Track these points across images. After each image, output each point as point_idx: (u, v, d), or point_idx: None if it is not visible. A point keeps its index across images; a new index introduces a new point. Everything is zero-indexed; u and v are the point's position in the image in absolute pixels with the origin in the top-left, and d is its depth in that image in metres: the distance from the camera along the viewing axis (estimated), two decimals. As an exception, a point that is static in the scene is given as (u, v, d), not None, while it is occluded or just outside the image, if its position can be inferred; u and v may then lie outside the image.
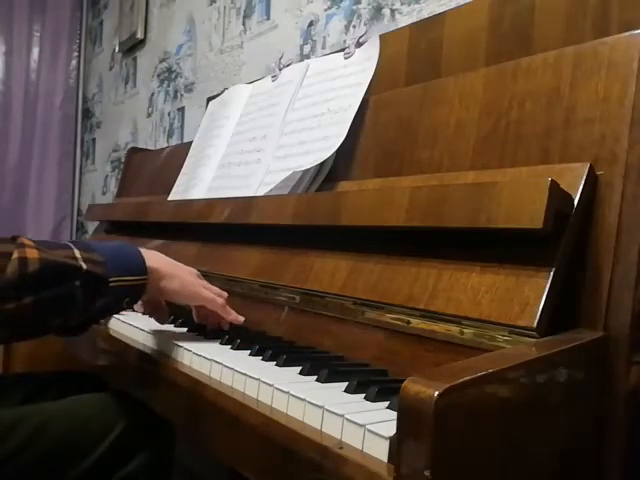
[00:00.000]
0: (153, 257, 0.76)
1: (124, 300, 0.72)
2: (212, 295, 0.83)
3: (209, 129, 1.38)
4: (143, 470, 0.88)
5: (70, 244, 0.69)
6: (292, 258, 0.89)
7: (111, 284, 0.69)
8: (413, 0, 1.29)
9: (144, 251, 0.76)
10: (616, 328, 0.56)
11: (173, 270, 0.79)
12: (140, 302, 0.81)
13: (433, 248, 0.69)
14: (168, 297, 0.80)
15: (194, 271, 0.84)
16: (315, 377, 0.63)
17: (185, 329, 0.89)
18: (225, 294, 0.86)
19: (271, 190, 1.03)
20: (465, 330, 0.61)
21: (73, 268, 0.65)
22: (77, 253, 0.67)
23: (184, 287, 0.79)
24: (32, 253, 0.63)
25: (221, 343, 0.80)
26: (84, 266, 0.66)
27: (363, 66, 1.00)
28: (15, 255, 0.61)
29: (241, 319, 0.86)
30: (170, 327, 0.90)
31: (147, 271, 0.74)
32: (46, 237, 3.22)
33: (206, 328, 0.87)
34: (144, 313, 0.91)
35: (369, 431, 0.48)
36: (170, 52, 2.43)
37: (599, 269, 0.58)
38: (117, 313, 0.78)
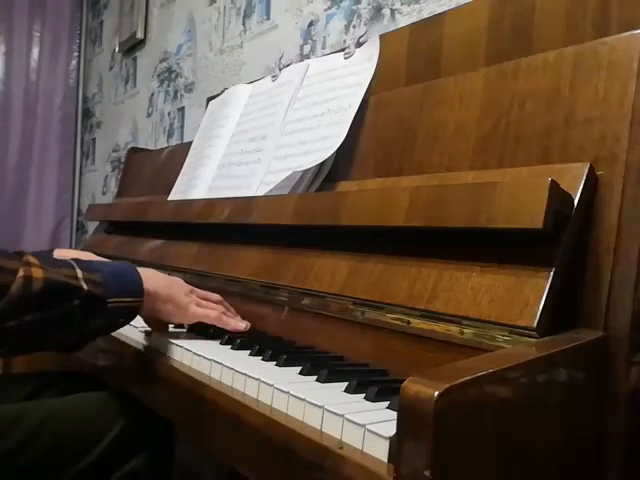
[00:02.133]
0: (150, 278, 0.79)
1: (120, 320, 0.75)
2: (205, 312, 0.84)
3: (209, 129, 1.38)
4: (143, 469, 0.88)
5: (73, 263, 0.70)
6: (292, 258, 0.89)
7: (109, 305, 0.71)
8: (413, 0, 1.29)
9: (142, 272, 0.78)
10: (616, 328, 0.56)
11: (168, 291, 0.81)
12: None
13: (433, 248, 0.69)
14: (162, 318, 0.83)
15: (188, 288, 0.85)
16: (315, 377, 0.63)
17: (185, 329, 0.89)
18: (221, 307, 0.87)
19: (271, 190, 1.03)
20: (465, 330, 0.61)
21: (74, 288, 0.67)
22: (79, 273, 0.68)
23: (177, 309, 0.82)
24: (37, 272, 0.64)
25: (221, 343, 0.80)
26: (85, 286, 0.68)
27: (363, 66, 1.00)
28: (21, 273, 0.63)
29: (241, 326, 0.86)
30: (170, 327, 0.91)
31: (144, 293, 0.76)
32: (46, 237, 3.22)
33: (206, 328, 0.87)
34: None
35: (369, 431, 0.48)
36: (170, 52, 2.43)
37: (599, 269, 0.58)
38: (112, 332, 0.80)
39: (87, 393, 0.93)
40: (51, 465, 0.82)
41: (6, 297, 0.61)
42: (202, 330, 0.86)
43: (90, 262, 0.74)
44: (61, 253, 0.97)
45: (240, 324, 0.86)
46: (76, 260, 0.72)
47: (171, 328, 0.90)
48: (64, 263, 0.70)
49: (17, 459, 0.79)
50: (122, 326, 0.77)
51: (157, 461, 0.91)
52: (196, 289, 0.88)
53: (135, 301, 0.75)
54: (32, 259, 0.65)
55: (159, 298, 0.79)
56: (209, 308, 0.86)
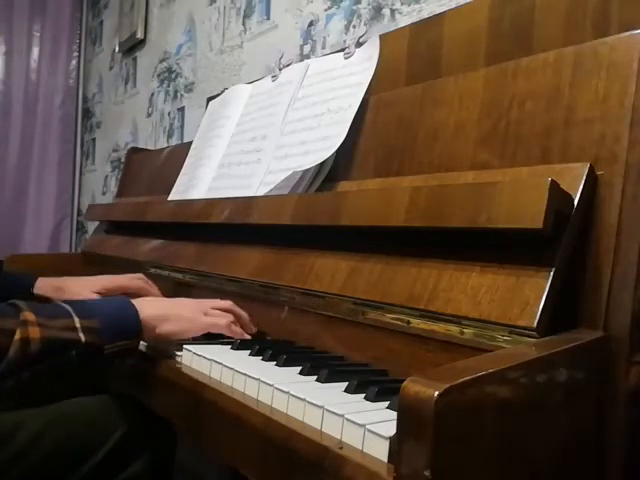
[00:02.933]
0: (147, 306, 0.77)
1: (115, 360, 0.75)
2: (213, 320, 0.82)
3: (209, 129, 1.38)
4: (145, 471, 0.88)
5: (69, 309, 0.70)
6: (292, 258, 0.89)
7: (105, 352, 0.71)
8: (413, 0, 1.29)
9: (138, 303, 0.77)
10: (616, 328, 0.56)
11: (166, 312, 0.79)
12: None
13: (433, 248, 0.69)
14: (168, 340, 0.81)
15: (193, 302, 0.84)
16: (315, 377, 0.63)
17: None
18: (230, 316, 0.85)
19: (271, 190, 1.03)
20: (465, 330, 0.61)
21: (72, 342, 0.67)
22: (76, 322, 0.68)
23: (179, 326, 0.80)
24: (34, 332, 0.64)
25: (221, 343, 0.80)
26: (82, 338, 0.68)
27: (363, 66, 1.00)
28: (18, 336, 0.63)
29: (247, 336, 0.85)
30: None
31: (141, 329, 0.75)
32: (46, 237, 3.22)
33: None
34: None
35: (369, 431, 0.48)
36: (170, 52, 2.43)
37: (599, 269, 0.58)
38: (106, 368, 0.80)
39: (87, 397, 0.93)
40: (52, 471, 0.81)
41: (4, 361, 0.62)
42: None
43: (84, 304, 0.74)
44: (42, 283, 0.98)
45: (246, 334, 0.85)
46: (71, 304, 0.71)
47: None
48: (61, 311, 0.70)
49: (18, 466, 0.78)
50: (116, 363, 0.77)
51: (158, 463, 0.90)
52: (205, 300, 0.87)
53: (131, 343, 0.75)
54: (29, 315, 0.65)
55: (157, 324, 0.78)
56: (217, 316, 0.84)
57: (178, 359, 0.76)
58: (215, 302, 0.86)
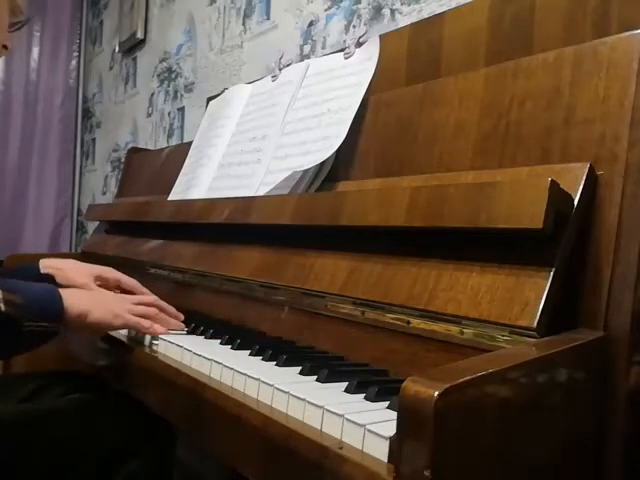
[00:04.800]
0: (73, 296, 0.79)
1: (34, 342, 0.76)
2: (136, 321, 0.84)
3: (209, 129, 1.38)
4: (144, 470, 0.88)
5: None
6: (292, 258, 0.89)
7: (24, 328, 0.72)
8: (413, 0, 1.29)
9: (65, 292, 0.78)
10: (616, 328, 0.56)
11: (92, 303, 0.81)
12: None
13: (433, 248, 0.69)
14: (92, 330, 0.83)
15: (118, 296, 0.87)
16: (315, 377, 0.63)
17: (185, 329, 0.89)
18: (153, 310, 0.87)
19: (271, 190, 1.03)
20: (465, 330, 0.61)
21: None
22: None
23: (102, 319, 0.81)
24: None
25: (221, 343, 0.80)
26: (2, 308, 0.69)
27: (363, 66, 1.00)
28: None
29: (161, 330, 0.85)
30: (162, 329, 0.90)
31: (63, 317, 0.76)
32: (46, 237, 3.22)
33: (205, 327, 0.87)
34: None
35: (369, 431, 0.48)
36: (170, 52, 2.43)
37: (599, 269, 0.58)
38: (27, 352, 0.81)
39: (86, 394, 0.93)
40: (52, 467, 0.82)
41: None
42: (204, 331, 0.86)
43: (15, 283, 0.76)
44: (46, 263, 0.98)
45: (160, 329, 0.85)
46: (2, 279, 0.74)
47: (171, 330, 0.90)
48: None
49: (19, 461, 0.79)
50: (37, 347, 0.77)
51: (158, 462, 0.91)
52: (129, 296, 0.90)
53: (51, 326, 0.75)
54: None
55: (82, 312, 0.79)
56: (141, 314, 0.85)
57: (178, 359, 0.76)
58: (140, 298, 0.89)
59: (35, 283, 0.82)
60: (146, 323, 0.85)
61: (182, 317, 0.91)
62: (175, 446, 0.95)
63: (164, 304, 0.91)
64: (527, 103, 0.70)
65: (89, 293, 0.87)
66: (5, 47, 0.89)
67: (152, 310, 0.87)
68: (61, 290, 0.79)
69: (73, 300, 0.78)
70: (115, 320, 0.83)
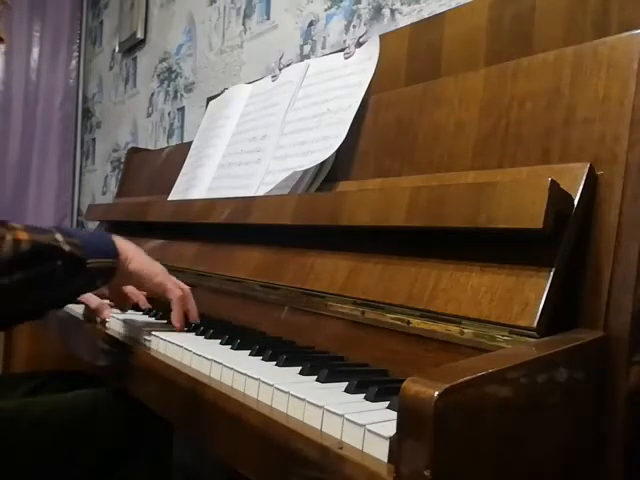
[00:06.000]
0: (121, 241, 0.84)
1: (98, 280, 0.80)
2: (171, 286, 0.88)
3: (209, 129, 1.38)
4: (143, 470, 0.88)
5: (53, 229, 0.76)
6: (292, 258, 0.89)
7: (88, 265, 0.76)
8: (413, 0, 1.29)
9: (115, 238, 0.84)
10: (616, 328, 0.55)
11: (138, 255, 0.86)
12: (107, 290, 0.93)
13: (433, 248, 0.69)
14: (134, 278, 0.87)
15: (160, 265, 0.91)
16: (315, 377, 0.63)
17: (184, 329, 0.89)
18: (185, 294, 0.89)
19: (271, 190, 1.03)
20: (465, 330, 0.61)
21: (57, 249, 0.73)
22: (59, 237, 0.74)
23: (148, 270, 0.87)
24: (23, 235, 0.70)
25: (221, 343, 0.80)
26: (66, 248, 0.74)
27: (363, 66, 1.00)
28: (9, 237, 0.69)
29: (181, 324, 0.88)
30: (170, 327, 0.91)
31: (118, 254, 0.82)
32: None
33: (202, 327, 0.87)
34: (110, 300, 0.99)
35: (369, 431, 0.48)
36: (170, 52, 2.43)
37: (599, 269, 0.58)
38: (92, 291, 0.88)
39: (85, 390, 0.93)
40: (50, 464, 0.82)
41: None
42: (204, 331, 0.86)
43: (68, 228, 0.81)
44: None
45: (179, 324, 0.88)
46: (56, 227, 0.78)
47: (171, 328, 0.90)
48: (46, 229, 0.76)
49: (16, 457, 0.79)
50: (101, 287, 0.83)
51: (156, 460, 0.91)
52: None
53: (111, 262, 0.81)
54: (17, 225, 0.72)
55: (132, 259, 0.84)
56: (176, 289, 0.88)
57: (178, 359, 0.76)
58: (178, 281, 0.92)
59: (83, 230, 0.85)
60: (180, 299, 0.88)
61: (197, 320, 0.92)
62: (172, 445, 0.96)
63: (192, 299, 0.92)
64: (527, 103, 0.70)
65: (134, 246, 0.91)
66: (1, 39, 0.90)
67: (187, 291, 0.90)
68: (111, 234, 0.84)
69: (121, 244, 0.83)
70: (155, 278, 0.87)
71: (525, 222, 0.57)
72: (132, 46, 2.76)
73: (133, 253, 0.85)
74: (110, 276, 0.82)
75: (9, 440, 0.79)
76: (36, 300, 0.75)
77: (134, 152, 2.05)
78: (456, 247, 0.66)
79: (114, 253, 0.81)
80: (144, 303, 1.02)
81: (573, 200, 0.59)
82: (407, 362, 0.67)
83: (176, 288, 0.88)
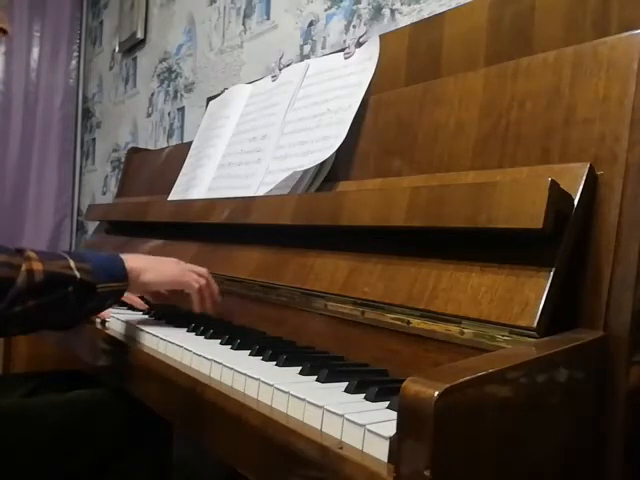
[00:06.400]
0: (132, 258, 0.87)
1: (108, 301, 0.83)
2: (187, 280, 0.91)
3: (209, 129, 1.38)
4: (142, 469, 0.88)
5: (65, 255, 0.79)
6: (292, 258, 0.89)
7: (98, 290, 0.79)
8: (413, 0, 1.29)
9: (125, 256, 0.86)
10: (616, 328, 0.55)
11: (149, 265, 0.89)
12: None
13: (433, 248, 0.69)
14: (150, 288, 0.91)
15: (174, 260, 0.93)
16: (315, 377, 0.63)
17: (185, 329, 0.89)
18: (203, 281, 0.92)
19: (271, 190, 1.03)
20: (465, 330, 0.61)
21: (69, 277, 0.76)
22: (72, 263, 0.77)
23: (161, 276, 0.89)
24: (37, 265, 0.73)
25: (221, 343, 0.80)
26: (77, 275, 0.77)
27: (363, 66, 1.00)
28: (24, 267, 0.72)
29: (208, 309, 0.93)
30: (170, 327, 0.91)
31: (127, 276, 0.84)
32: (46, 237, 3.22)
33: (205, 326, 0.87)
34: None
35: (369, 431, 0.48)
36: (170, 52, 2.43)
37: (599, 269, 0.58)
38: (100, 312, 0.90)
39: (84, 390, 0.94)
40: (49, 463, 0.82)
41: (13, 288, 0.71)
42: (204, 331, 0.86)
43: (80, 253, 0.83)
44: None
45: (208, 305, 0.92)
46: (68, 252, 0.81)
47: (171, 327, 0.90)
48: (58, 255, 0.78)
49: (16, 456, 0.79)
50: (109, 307, 0.86)
51: (156, 460, 0.91)
52: (184, 263, 0.95)
53: (121, 285, 0.83)
54: (32, 254, 0.75)
55: (141, 272, 0.86)
56: (193, 279, 0.91)
57: (178, 359, 0.76)
58: (193, 266, 0.94)
59: (93, 252, 0.85)
60: (198, 291, 0.90)
61: (219, 300, 0.95)
62: (172, 444, 0.96)
63: (212, 280, 0.95)
64: (527, 103, 0.70)
65: (146, 257, 0.94)
66: (4, 31, 0.91)
67: (201, 281, 0.92)
68: (121, 254, 0.87)
69: (131, 262, 0.85)
70: (169, 281, 0.90)
71: (525, 222, 0.57)
72: (132, 46, 2.76)
73: (144, 265, 0.87)
74: (119, 297, 0.85)
75: (9, 439, 0.80)
76: (49, 322, 0.79)
77: (134, 152, 2.05)
78: (456, 247, 0.66)
79: (123, 276, 0.83)
80: (141, 304, 1.04)
81: (573, 200, 0.59)
82: (407, 362, 0.67)
83: (192, 281, 0.91)
